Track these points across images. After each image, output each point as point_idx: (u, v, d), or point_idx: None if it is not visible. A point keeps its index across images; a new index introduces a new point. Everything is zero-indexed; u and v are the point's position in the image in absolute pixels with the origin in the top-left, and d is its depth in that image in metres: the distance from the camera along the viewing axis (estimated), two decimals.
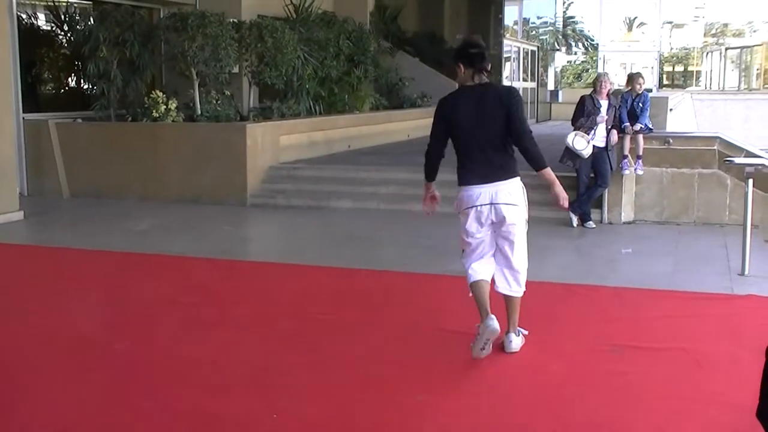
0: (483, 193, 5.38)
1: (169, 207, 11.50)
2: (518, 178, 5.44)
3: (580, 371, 5.16)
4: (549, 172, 5.38)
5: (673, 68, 53.75)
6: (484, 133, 5.39)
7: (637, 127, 10.00)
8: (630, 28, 47.11)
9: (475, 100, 5.43)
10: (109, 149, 12.46)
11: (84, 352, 5.55)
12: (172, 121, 12.57)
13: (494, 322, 5.11)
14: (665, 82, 47.62)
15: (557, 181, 5.43)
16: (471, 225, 5.47)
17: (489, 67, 5.53)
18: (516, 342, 5.46)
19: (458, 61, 5.53)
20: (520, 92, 24.22)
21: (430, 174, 5.85)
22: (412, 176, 11.92)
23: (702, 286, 7.21)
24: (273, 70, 13.88)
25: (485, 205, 5.38)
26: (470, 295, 5.39)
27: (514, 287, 5.45)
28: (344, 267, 7.90)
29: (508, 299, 5.46)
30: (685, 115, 20.93)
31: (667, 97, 17.26)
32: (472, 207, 5.44)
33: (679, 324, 6.22)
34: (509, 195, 5.36)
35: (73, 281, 7.59)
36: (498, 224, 5.38)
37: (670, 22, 46.69)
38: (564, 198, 5.46)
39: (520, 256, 5.49)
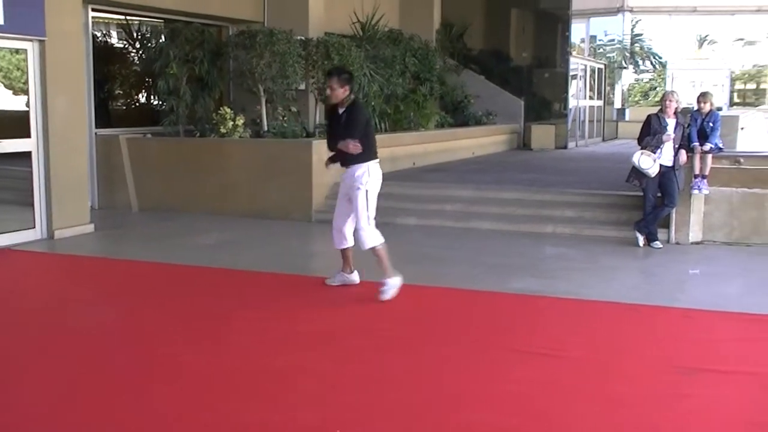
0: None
1: (235, 222, 11.63)
2: None
3: (646, 393, 5.08)
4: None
5: (745, 86, 52.68)
6: None
7: (707, 146, 9.83)
8: (700, 46, 46.41)
9: None
10: (178, 164, 12.67)
11: (148, 364, 5.64)
12: (240, 137, 12.74)
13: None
14: (736, 100, 46.70)
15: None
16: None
17: None
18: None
19: (350, 84, 7.37)
20: (587, 110, 24.14)
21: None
22: (476, 194, 11.95)
23: None
24: None
25: None
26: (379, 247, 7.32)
27: None
28: (408, 284, 7.90)
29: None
30: (756, 133, 20.51)
31: (738, 116, 16.96)
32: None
33: (749, 347, 6.09)
34: None
35: (140, 293, 7.71)
36: None
37: (742, 39, 45.79)
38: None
39: None
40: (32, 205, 10.26)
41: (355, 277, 7.79)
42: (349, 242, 7.64)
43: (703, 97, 10.25)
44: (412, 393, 5.07)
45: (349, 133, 7.24)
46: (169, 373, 5.44)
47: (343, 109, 7.37)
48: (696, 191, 9.87)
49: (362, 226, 7.35)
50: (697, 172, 9.85)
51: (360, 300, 7.43)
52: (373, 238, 7.36)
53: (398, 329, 6.54)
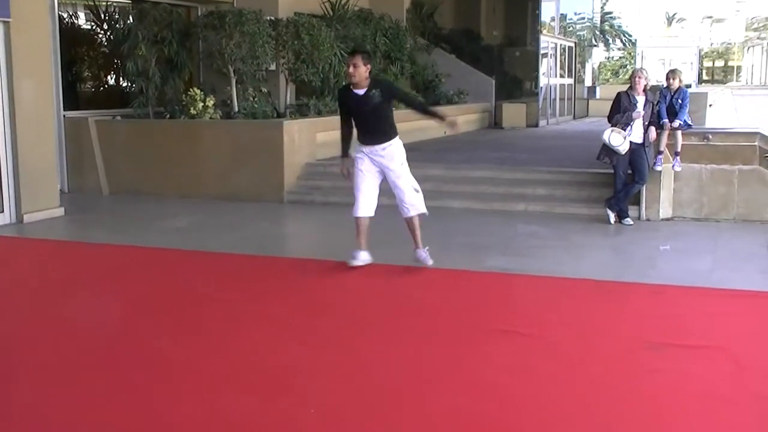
0: None
1: (206, 204, 11.58)
2: None
3: (617, 369, 5.13)
4: None
5: (713, 63, 53.07)
6: None
7: (676, 123, 9.91)
8: (669, 24, 46.67)
9: None
10: (148, 147, 12.58)
11: (122, 348, 5.61)
12: (210, 118, 12.66)
13: None
14: (705, 77, 47.07)
15: None
16: None
17: None
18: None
19: (371, 63, 7.60)
20: (557, 89, 24.17)
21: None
22: (448, 173, 11.96)
23: (742, 284, 7.13)
24: (310, 67, 13.92)
25: None
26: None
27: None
28: (381, 263, 7.91)
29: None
30: (725, 110, 20.65)
31: (707, 93, 17.06)
32: None
33: (718, 322, 6.17)
34: None
35: (112, 277, 7.67)
36: None
37: (711, 17, 46.07)
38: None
39: None
40: (0, 189, 10.15)
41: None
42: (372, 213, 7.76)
43: (672, 73, 10.32)
44: (387, 375, 5.09)
45: (406, 101, 8.14)
46: (142, 357, 5.41)
47: (368, 89, 7.48)
48: (660, 167, 9.94)
49: (414, 194, 7.65)
50: (662, 148, 9.93)
51: (331, 281, 7.43)
52: (423, 204, 7.72)
53: (370, 310, 6.56)
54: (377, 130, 7.58)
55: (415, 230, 7.67)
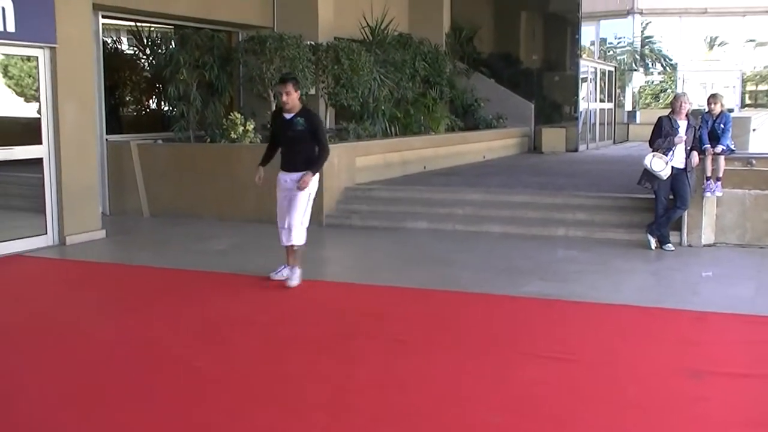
0: None
1: (246, 227, 11.64)
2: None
3: (658, 396, 5.06)
4: None
5: (757, 87, 52.43)
6: None
7: (719, 148, 9.79)
8: (711, 47, 46.25)
9: None
10: (188, 170, 12.68)
11: (162, 369, 5.64)
12: (250, 142, 12.75)
13: None
14: (748, 101, 46.51)
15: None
16: None
17: None
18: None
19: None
20: (597, 113, 24.06)
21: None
22: (486, 197, 11.93)
23: None
24: (349, 91, 14.00)
25: None
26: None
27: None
28: (419, 288, 7.89)
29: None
30: None
31: (750, 117, 16.88)
32: None
33: (762, 350, 6.06)
34: None
35: (152, 299, 7.72)
36: None
37: (753, 40, 45.60)
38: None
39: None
40: (44, 211, 10.29)
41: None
42: None
43: (713, 98, 10.21)
44: (423, 395, 5.07)
45: (317, 141, 7.84)
46: (181, 378, 5.44)
47: (295, 115, 7.80)
48: (708, 194, 9.82)
49: (300, 228, 7.89)
50: (708, 174, 9.81)
51: (369, 304, 7.43)
52: (302, 238, 7.96)
53: (408, 332, 6.53)
54: (293, 157, 7.84)
55: (293, 254, 8.02)
